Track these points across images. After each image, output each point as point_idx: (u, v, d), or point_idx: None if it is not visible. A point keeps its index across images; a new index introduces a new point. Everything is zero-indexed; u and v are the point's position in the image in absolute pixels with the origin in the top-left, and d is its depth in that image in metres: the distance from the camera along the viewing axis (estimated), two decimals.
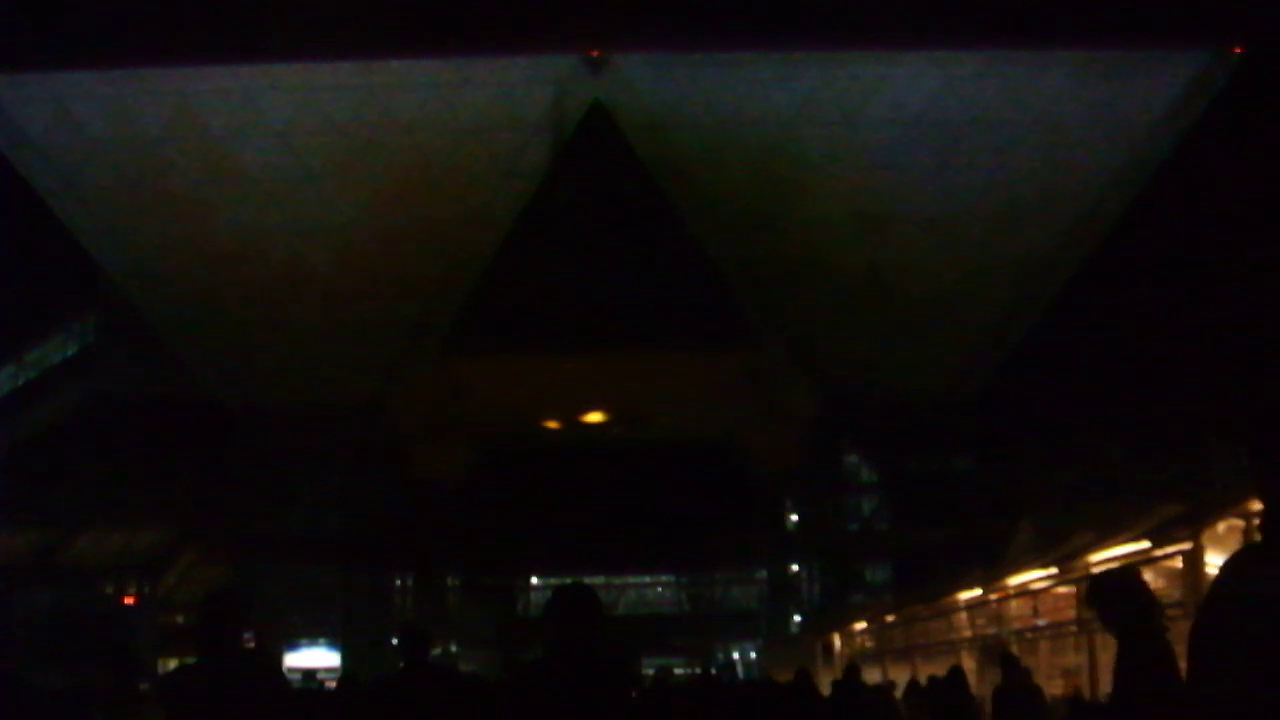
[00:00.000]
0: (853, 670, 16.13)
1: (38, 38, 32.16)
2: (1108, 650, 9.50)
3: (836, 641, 28.06)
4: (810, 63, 33.73)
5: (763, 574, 45.17)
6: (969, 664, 16.44)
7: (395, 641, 7.04)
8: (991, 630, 16.48)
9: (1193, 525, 8.52)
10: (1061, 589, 13.62)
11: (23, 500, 36.21)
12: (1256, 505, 7.57)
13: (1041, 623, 14.70)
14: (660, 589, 48.46)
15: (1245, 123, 32.03)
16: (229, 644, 4.93)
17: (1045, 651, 14.57)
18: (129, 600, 36.44)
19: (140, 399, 38.83)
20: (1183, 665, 3.01)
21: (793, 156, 34.72)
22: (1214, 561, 8.65)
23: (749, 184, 35.03)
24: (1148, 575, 6.65)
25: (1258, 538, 2.75)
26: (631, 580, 47.49)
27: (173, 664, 23.22)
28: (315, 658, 38.23)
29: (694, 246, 36.22)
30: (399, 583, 44.06)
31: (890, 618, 24.25)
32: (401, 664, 6.66)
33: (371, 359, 37.20)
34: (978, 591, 16.83)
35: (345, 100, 33.74)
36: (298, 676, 27.03)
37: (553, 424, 40.98)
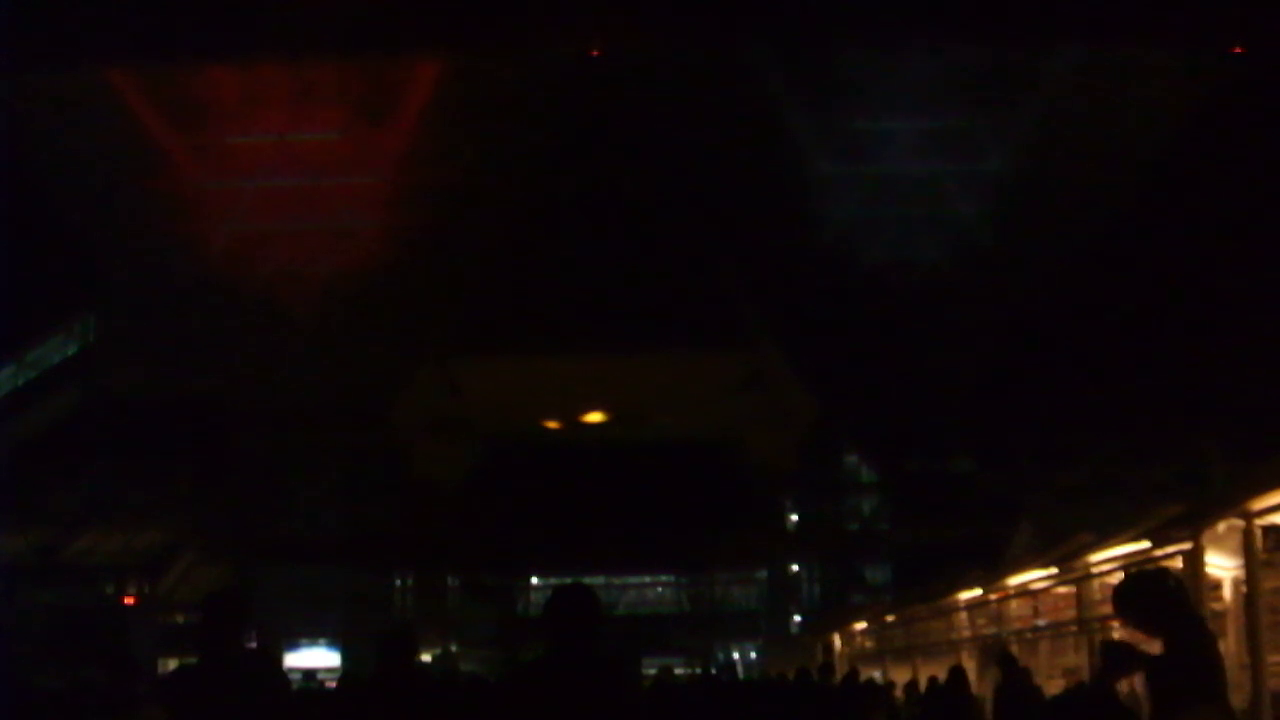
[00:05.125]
0: (853, 671, 16.13)
1: (38, 38, 32.13)
2: None
3: (836, 641, 28.01)
4: (810, 58, 33.74)
5: (763, 574, 45.16)
6: (969, 664, 16.42)
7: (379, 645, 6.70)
8: (991, 630, 16.47)
9: (1193, 525, 8.50)
10: (1061, 589, 13.60)
11: (23, 500, 36.15)
12: (1257, 505, 7.56)
13: (1041, 623, 14.68)
14: (660, 589, 48.38)
15: (1245, 123, 32.00)
16: (229, 644, 4.93)
17: (1045, 651, 14.56)
18: (129, 600, 36.36)
19: (140, 399, 38.79)
20: None
21: (793, 153, 34.74)
22: (1214, 561, 8.64)
23: (749, 182, 35.04)
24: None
25: (1258, 539, 2.72)
26: (631, 580, 47.42)
27: (173, 664, 23.18)
28: (315, 658, 38.21)
29: (694, 245, 36.22)
30: (399, 583, 44.02)
31: (890, 618, 24.21)
32: (378, 669, 6.37)
33: (371, 359, 37.19)
34: (978, 591, 16.80)
35: (345, 100, 33.77)
36: (298, 676, 27.00)
37: (553, 424, 40.98)
